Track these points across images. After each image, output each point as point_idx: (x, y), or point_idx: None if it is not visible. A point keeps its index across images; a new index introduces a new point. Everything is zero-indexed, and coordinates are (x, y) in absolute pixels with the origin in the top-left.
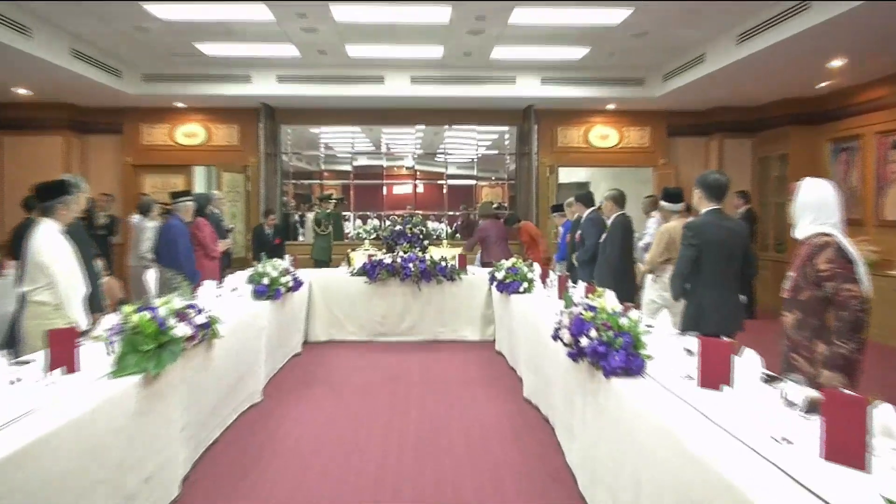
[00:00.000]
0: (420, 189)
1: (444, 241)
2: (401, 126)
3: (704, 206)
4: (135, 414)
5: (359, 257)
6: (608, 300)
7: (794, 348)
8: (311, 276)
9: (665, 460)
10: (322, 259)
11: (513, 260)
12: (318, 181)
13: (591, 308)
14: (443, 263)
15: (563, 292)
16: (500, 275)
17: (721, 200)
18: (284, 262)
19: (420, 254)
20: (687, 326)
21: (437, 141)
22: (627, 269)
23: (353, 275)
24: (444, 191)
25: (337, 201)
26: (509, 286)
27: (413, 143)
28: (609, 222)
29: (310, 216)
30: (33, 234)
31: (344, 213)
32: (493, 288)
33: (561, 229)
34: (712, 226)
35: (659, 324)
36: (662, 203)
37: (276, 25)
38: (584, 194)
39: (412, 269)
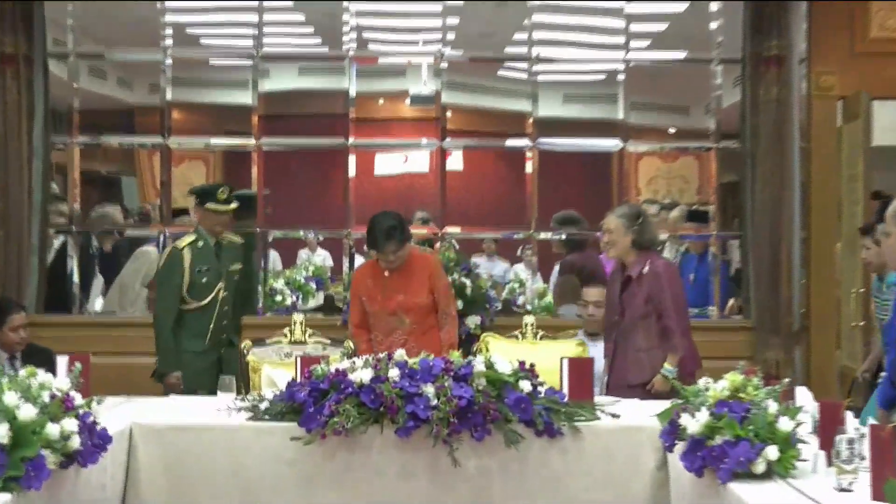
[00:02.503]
0: (456, 162)
1: (529, 322)
2: None
3: None
4: None
5: (273, 365)
6: None
7: None
8: (133, 418)
9: None
10: (197, 382)
11: (733, 376)
12: (160, 139)
13: None
14: (523, 387)
15: (887, 478)
16: (692, 422)
17: None
18: (60, 379)
19: (459, 358)
20: None
21: (507, 29)
22: None
23: (260, 416)
24: (530, 167)
25: (243, 199)
26: (723, 456)
27: (434, 34)
28: None
29: (149, 253)
30: None
31: (268, 235)
32: (676, 459)
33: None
34: None
35: None
36: None
37: None
38: None
39: (432, 401)
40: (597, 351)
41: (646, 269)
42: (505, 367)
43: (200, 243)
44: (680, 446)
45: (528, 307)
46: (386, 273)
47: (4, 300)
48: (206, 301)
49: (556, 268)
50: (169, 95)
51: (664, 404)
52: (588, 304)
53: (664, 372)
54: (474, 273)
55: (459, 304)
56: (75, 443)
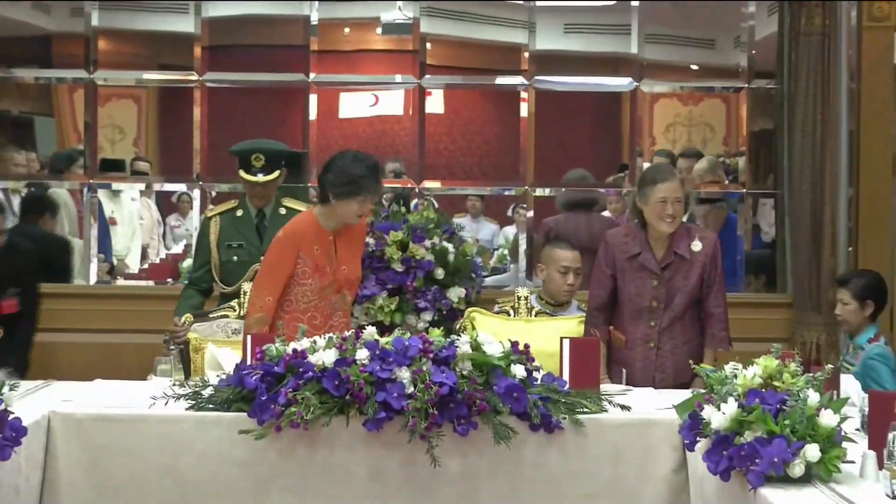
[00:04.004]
0: (436, 103)
1: (523, 295)
2: None
3: None
4: None
5: (219, 344)
6: None
7: None
8: (51, 406)
9: None
10: None
11: (766, 361)
12: (83, 73)
13: None
14: (516, 373)
15: None
16: (717, 415)
17: None
18: None
19: (440, 337)
20: None
21: None
22: None
23: (203, 405)
24: (525, 110)
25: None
26: (754, 456)
27: None
28: None
29: (58, 194)
30: None
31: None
32: (697, 460)
33: None
34: None
35: None
36: None
37: None
38: None
39: (407, 389)
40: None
41: (695, 244)
42: (494, 348)
43: (239, 212)
44: (702, 444)
45: (526, 290)
46: (331, 237)
47: None
48: (235, 286)
49: None
50: (95, 21)
51: (684, 394)
52: (569, 270)
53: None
54: (458, 237)
55: (441, 272)
56: None
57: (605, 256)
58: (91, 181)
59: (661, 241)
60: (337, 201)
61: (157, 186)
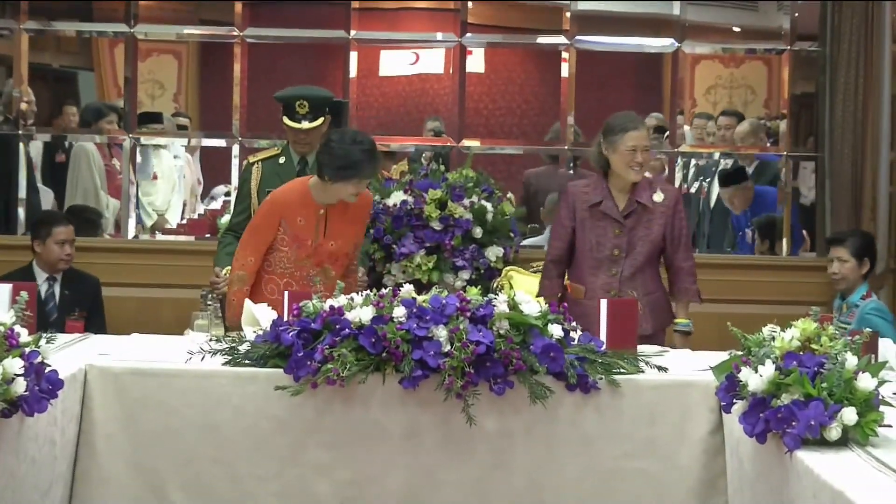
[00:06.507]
0: (477, 62)
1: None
2: None
3: None
4: None
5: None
6: None
7: None
8: (88, 359)
9: None
10: None
11: (804, 324)
12: (124, 27)
13: None
14: (553, 332)
15: None
16: (754, 378)
17: None
18: (1, 311)
19: (477, 295)
20: None
21: None
22: None
23: (239, 361)
24: (566, 70)
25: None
26: (791, 419)
27: None
28: None
29: (84, 147)
30: None
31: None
32: (733, 422)
33: None
34: None
35: None
36: None
37: None
38: None
39: (444, 347)
40: None
41: (657, 195)
42: (532, 307)
43: (282, 160)
44: (739, 406)
45: None
46: (322, 210)
47: (49, 212)
48: None
49: None
50: None
51: (721, 356)
52: None
53: (682, 328)
54: (497, 196)
55: (479, 231)
56: (20, 387)
57: (566, 208)
58: (129, 135)
59: (623, 190)
60: (332, 183)
61: (195, 142)
